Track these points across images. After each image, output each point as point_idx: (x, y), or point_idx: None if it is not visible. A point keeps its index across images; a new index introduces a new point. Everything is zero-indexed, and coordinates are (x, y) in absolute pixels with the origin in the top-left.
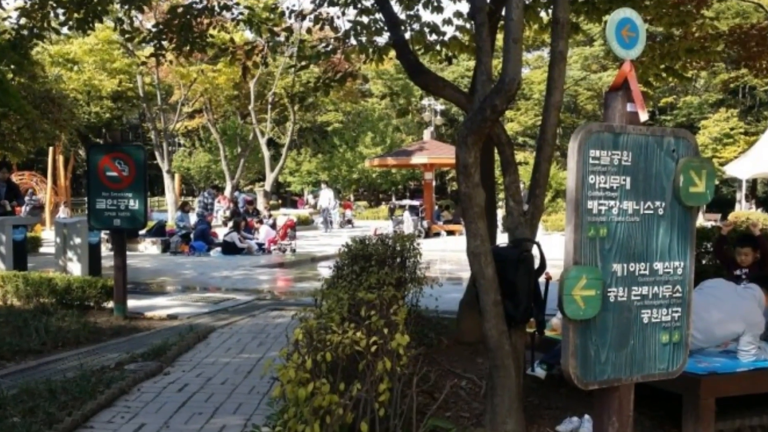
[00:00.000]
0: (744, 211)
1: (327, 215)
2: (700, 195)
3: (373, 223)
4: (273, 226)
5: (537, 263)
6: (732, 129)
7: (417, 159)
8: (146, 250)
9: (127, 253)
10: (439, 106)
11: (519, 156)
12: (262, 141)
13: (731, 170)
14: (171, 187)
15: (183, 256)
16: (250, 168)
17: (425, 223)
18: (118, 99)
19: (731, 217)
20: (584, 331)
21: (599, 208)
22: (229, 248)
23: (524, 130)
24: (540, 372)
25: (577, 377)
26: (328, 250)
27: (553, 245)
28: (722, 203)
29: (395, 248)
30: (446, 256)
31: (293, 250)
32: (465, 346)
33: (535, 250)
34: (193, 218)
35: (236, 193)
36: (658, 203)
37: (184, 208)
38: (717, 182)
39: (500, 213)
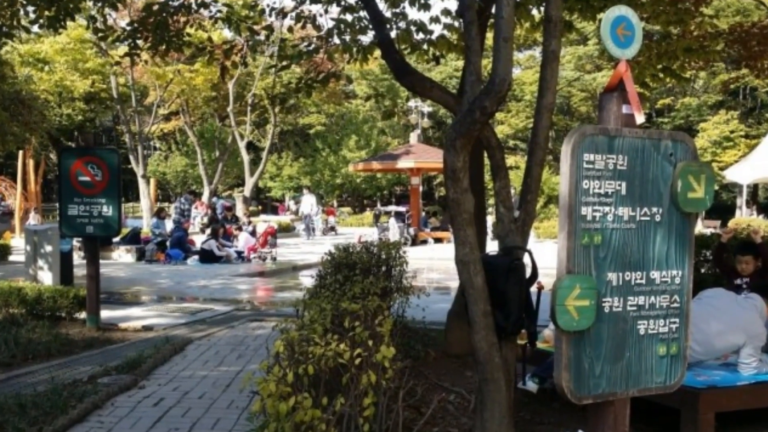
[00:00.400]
0: (745, 217)
1: (309, 222)
2: (699, 201)
3: (358, 230)
4: (253, 233)
5: (528, 272)
6: (732, 132)
7: (403, 163)
8: (120, 259)
9: (101, 261)
10: (427, 107)
11: (510, 160)
12: (242, 144)
13: (731, 175)
14: (146, 192)
15: (159, 265)
16: (228, 173)
17: (412, 230)
18: (90, 100)
19: (731, 223)
20: (578, 342)
21: (593, 215)
22: (206, 256)
23: (515, 132)
24: (532, 386)
25: (570, 391)
26: (310, 258)
27: (546, 253)
28: (722, 209)
29: (380, 256)
30: (434, 264)
31: (274, 259)
32: (453, 359)
33: (526, 259)
34: (169, 225)
35: (214, 199)
36: (654, 209)
37: (159, 214)
38: (716, 187)
39: (490, 220)
